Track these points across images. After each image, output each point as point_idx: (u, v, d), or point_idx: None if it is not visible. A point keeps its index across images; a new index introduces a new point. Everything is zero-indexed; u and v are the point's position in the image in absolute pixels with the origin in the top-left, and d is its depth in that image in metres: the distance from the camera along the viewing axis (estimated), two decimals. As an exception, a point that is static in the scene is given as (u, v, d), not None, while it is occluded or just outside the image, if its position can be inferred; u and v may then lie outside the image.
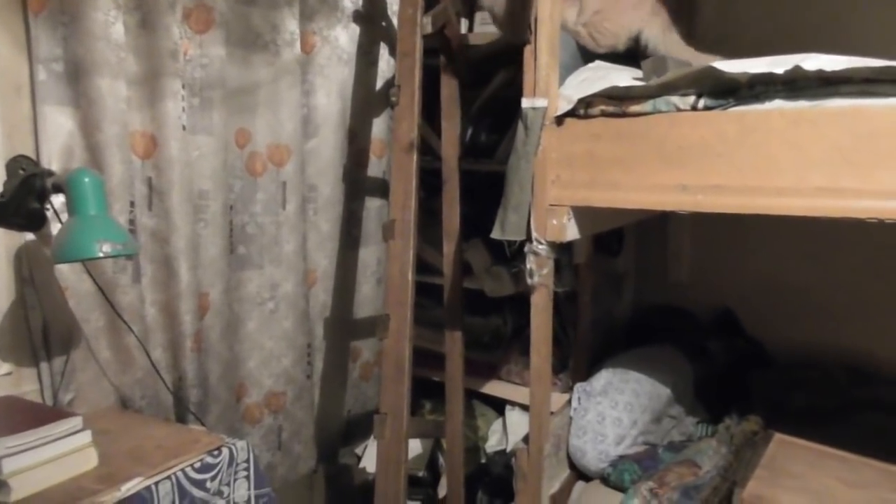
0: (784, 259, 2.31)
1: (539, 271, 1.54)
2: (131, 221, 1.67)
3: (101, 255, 1.32)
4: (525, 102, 1.51)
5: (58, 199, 1.46)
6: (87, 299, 1.59)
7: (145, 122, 1.69)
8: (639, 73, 1.52)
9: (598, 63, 1.68)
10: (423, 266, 2.11)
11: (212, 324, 1.88)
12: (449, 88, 2.06)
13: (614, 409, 1.93)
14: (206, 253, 1.84)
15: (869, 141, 1.20)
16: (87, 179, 1.36)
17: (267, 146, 1.98)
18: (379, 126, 2.32)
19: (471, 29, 2.33)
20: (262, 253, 2.01)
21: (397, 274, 1.75)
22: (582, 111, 1.48)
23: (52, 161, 1.52)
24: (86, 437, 1.31)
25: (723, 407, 2.04)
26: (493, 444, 2.29)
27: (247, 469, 1.51)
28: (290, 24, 1.98)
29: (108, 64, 1.56)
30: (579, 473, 2.01)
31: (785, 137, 1.27)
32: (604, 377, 2.01)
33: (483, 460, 2.28)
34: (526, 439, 1.68)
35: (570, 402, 2.03)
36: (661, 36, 1.70)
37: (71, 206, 1.37)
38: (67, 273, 1.55)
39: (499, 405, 2.35)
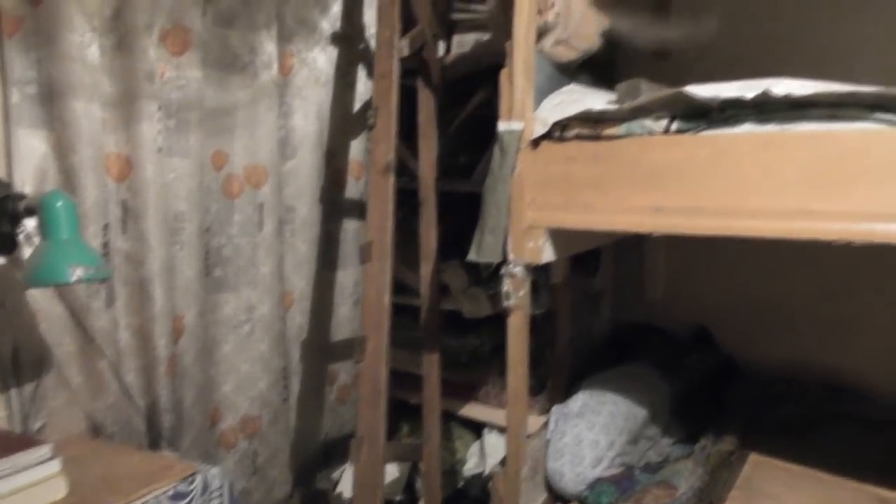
0: (757, 276, 2.33)
1: (515, 293, 1.54)
2: (105, 244, 1.66)
3: (73, 280, 1.30)
4: (501, 125, 1.53)
5: (30, 223, 1.44)
6: (59, 324, 1.57)
7: (120, 144, 1.68)
8: (613, 96, 1.54)
9: (572, 86, 1.70)
10: (400, 287, 2.10)
11: (186, 347, 1.86)
12: (426, 109, 2.07)
13: (591, 431, 1.93)
14: (182, 276, 1.83)
15: (836, 164, 1.23)
16: (59, 203, 1.35)
17: (244, 168, 1.98)
18: (357, 147, 2.33)
19: (448, 51, 2.34)
20: (238, 275, 2.00)
21: (374, 296, 1.75)
22: (557, 134, 1.50)
23: (26, 184, 1.50)
24: (55, 465, 1.28)
25: (699, 424, 2.05)
26: (470, 467, 2.27)
27: (221, 496, 1.49)
28: (268, 46, 1.98)
29: (82, 86, 1.55)
30: (556, 496, 2.00)
31: (756, 160, 1.30)
32: (581, 398, 2.01)
33: (461, 484, 2.27)
34: (503, 462, 1.68)
35: (547, 424, 2.02)
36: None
37: (43, 230, 1.35)
38: (39, 297, 1.53)
39: (477, 427, 2.34)
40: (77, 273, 1.30)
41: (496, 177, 1.53)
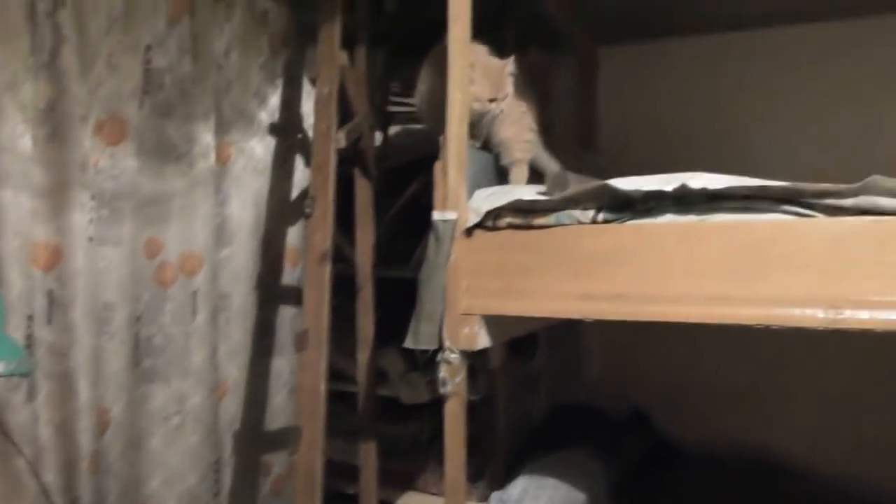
0: (692, 356, 2.38)
1: (452, 380, 1.55)
2: (28, 336, 1.60)
3: (-7, 374, 1.26)
4: (436, 215, 1.57)
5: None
6: (-27, 421, 1.50)
7: (49, 233, 1.65)
8: (543, 188, 1.61)
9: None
10: (337, 374, 2.08)
11: (112, 442, 1.79)
12: (363, 198, 2.11)
13: (532, 518, 1.91)
14: (109, 367, 1.78)
15: (751, 252, 1.30)
16: (-18, 295, 1.31)
17: (178, 256, 1.96)
18: (294, 234, 2.34)
19: (385, 141, 2.41)
20: (169, 365, 1.95)
21: (309, 385, 1.73)
22: (490, 223, 1.54)
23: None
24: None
25: (638, 508, 2.05)
26: (410, 558, 2.21)
27: None
28: (206, 137, 2.00)
29: (12, 176, 1.54)
30: (498, 585, 1.96)
31: (677, 249, 1.36)
32: (520, 484, 2.00)
33: (401, 577, 2.20)
34: (443, 553, 1.64)
35: (487, 511, 2.00)
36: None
37: (-36, 323, 1.31)
38: (-46, 393, 1.46)
39: (416, 517, 2.29)
40: (-3, 368, 1.25)
41: (432, 265, 1.56)
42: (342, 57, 1.95)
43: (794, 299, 1.26)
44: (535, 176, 1.78)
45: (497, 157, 1.78)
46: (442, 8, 1.51)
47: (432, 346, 1.55)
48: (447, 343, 1.55)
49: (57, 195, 1.65)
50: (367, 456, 2.05)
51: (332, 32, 1.93)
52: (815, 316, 1.24)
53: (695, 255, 1.34)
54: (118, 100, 1.77)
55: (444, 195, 1.57)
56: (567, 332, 2.59)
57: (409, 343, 1.56)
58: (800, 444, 2.24)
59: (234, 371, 2.16)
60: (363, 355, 2.07)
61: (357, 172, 2.10)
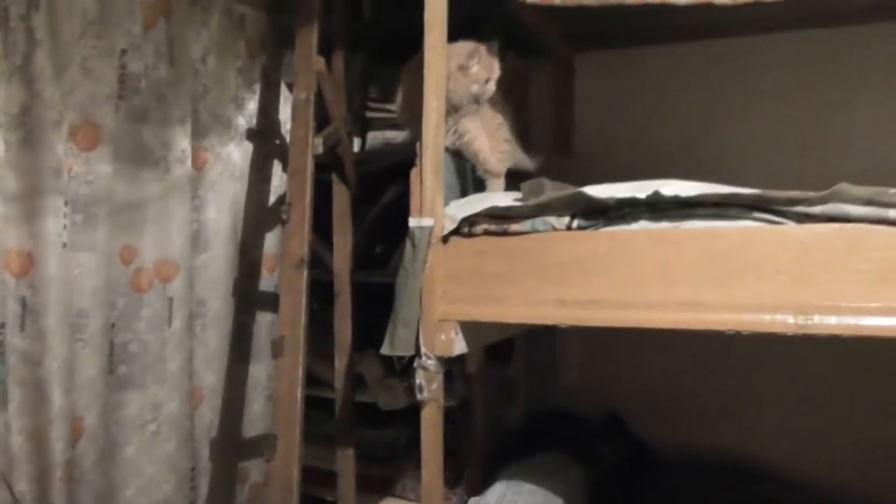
0: (667, 362, 2.39)
1: (429, 386, 1.55)
2: (1, 343, 1.59)
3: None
4: (412, 222, 1.57)
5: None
6: (-57, 430, 1.48)
7: (22, 239, 1.63)
8: (519, 194, 1.62)
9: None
10: (314, 380, 2.08)
11: (86, 450, 1.77)
12: (341, 204, 2.11)
13: (509, 522, 1.92)
14: (83, 374, 1.76)
15: (722, 259, 1.32)
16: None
17: (154, 262, 1.94)
18: (271, 240, 2.33)
19: (363, 147, 2.41)
20: (144, 372, 1.93)
21: (286, 391, 1.72)
22: (466, 230, 1.55)
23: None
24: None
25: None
26: (388, 564, 2.21)
27: None
28: (182, 142, 1.99)
29: (-17, 182, 1.52)
30: (475, 591, 1.96)
31: (651, 255, 1.38)
32: (498, 490, 2.00)
33: (379, 583, 2.19)
34: (420, 560, 1.64)
35: (465, 516, 2.00)
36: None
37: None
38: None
39: (394, 523, 2.28)
40: (-33, 377, 1.24)
41: (408, 271, 1.56)
42: (319, 62, 1.95)
43: (764, 305, 1.28)
44: (513, 183, 1.79)
45: (474, 167, 1.79)
46: (419, 14, 1.52)
47: (408, 353, 1.55)
48: (423, 349, 1.55)
49: (30, 201, 1.63)
50: (345, 462, 2.05)
51: (310, 37, 1.93)
52: (785, 321, 1.26)
53: (668, 261, 1.36)
54: (92, 105, 1.75)
55: (420, 202, 1.58)
56: (544, 338, 2.61)
57: (385, 349, 1.56)
58: (776, 448, 2.26)
59: (211, 378, 2.15)
60: (341, 361, 2.07)
61: (335, 178, 2.10)
